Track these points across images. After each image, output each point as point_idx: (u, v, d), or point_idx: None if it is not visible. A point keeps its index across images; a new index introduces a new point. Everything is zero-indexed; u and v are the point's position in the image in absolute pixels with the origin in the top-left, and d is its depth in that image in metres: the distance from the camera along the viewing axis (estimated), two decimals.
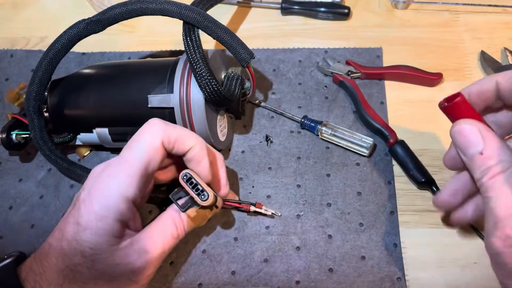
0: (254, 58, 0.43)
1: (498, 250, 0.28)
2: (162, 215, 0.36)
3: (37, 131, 0.43)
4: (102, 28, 0.43)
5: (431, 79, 0.50)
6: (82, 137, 0.46)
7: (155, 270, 0.35)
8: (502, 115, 0.34)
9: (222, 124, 0.46)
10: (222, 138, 0.46)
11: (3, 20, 0.63)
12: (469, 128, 0.30)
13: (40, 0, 0.65)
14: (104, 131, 0.44)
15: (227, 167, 0.43)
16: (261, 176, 0.47)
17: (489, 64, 0.52)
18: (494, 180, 0.29)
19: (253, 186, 0.46)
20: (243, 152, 0.48)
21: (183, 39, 0.41)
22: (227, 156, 0.48)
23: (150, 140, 0.34)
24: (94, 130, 0.45)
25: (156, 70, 0.44)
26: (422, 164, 0.45)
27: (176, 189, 0.36)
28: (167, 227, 0.35)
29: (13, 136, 0.46)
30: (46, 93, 0.45)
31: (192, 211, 0.36)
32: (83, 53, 0.57)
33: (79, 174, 0.44)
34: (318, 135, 0.48)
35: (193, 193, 0.35)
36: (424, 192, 0.45)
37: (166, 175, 0.41)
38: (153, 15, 0.42)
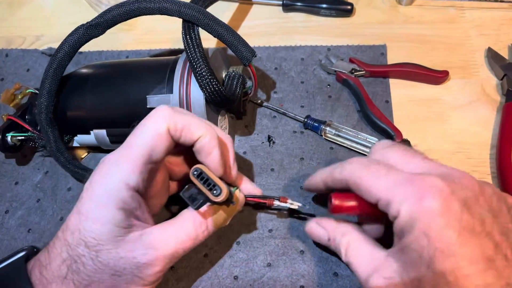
0: (256, 56, 0.41)
1: None
2: (183, 213, 0.35)
3: (53, 143, 0.42)
4: (102, 31, 0.42)
5: (437, 77, 0.49)
6: (79, 138, 0.45)
7: (165, 270, 0.33)
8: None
9: (223, 125, 0.45)
10: None
11: None
12: (313, 226, 0.38)
13: None
14: (102, 132, 0.43)
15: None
16: (264, 178, 0.45)
17: (496, 61, 0.50)
18: (348, 250, 0.34)
19: None
20: (244, 153, 0.47)
21: (183, 37, 0.40)
22: None
23: (155, 126, 0.32)
24: (91, 132, 0.44)
25: (155, 69, 0.42)
26: None
27: (187, 186, 0.33)
28: (185, 227, 0.34)
29: (8, 138, 0.44)
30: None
31: (206, 209, 0.34)
32: (80, 52, 0.56)
33: None
34: (322, 135, 0.47)
35: (204, 189, 0.32)
36: None
37: (182, 169, 0.39)
38: (152, 14, 0.41)
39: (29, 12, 0.62)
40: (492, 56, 0.51)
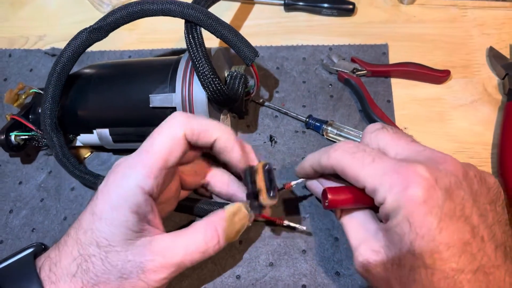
0: (258, 56, 0.42)
1: (362, 275, 0.34)
2: (196, 225, 0.34)
3: (58, 149, 0.43)
4: (105, 34, 0.43)
5: (439, 76, 0.49)
6: (83, 138, 0.45)
7: (171, 277, 0.33)
8: None
9: (225, 124, 0.45)
10: None
11: (1, 19, 0.62)
12: (314, 183, 0.39)
13: None
14: (105, 131, 0.43)
15: None
16: None
17: (498, 60, 0.50)
18: (344, 214, 0.37)
19: None
20: None
21: (185, 37, 0.40)
22: None
23: (171, 131, 0.33)
24: (94, 131, 0.44)
25: (157, 69, 0.43)
26: None
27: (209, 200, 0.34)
28: (196, 239, 0.33)
29: (12, 138, 0.45)
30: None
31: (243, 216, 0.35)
32: None
33: None
34: (324, 135, 0.47)
35: (263, 185, 0.34)
36: None
37: (194, 179, 0.40)
38: (155, 16, 0.41)
39: (32, 12, 0.62)
40: (494, 56, 0.51)
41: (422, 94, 0.50)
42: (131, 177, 0.32)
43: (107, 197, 0.32)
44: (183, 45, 0.41)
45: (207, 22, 0.40)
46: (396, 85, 0.50)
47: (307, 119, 0.47)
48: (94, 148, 0.49)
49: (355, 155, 0.33)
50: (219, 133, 0.35)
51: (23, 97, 0.48)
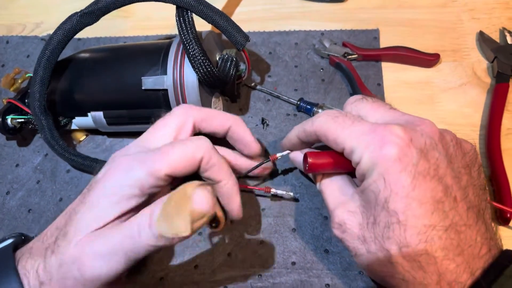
0: (249, 41, 0.42)
1: (338, 236, 0.35)
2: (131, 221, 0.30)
3: (47, 131, 0.43)
4: (96, 19, 0.43)
5: (428, 59, 0.50)
6: (78, 121, 0.46)
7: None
8: None
9: (217, 107, 0.46)
10: None
11: None
12: (297, 154, 0.40)
13: None
14: (99, 114, 0.44)
15: None
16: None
17: (487, 44, 0.51)
18: (323, 180, 0.38)
19: None
20: None
21: (176, 20, 0.41)
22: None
23: (179, 119, 0.35)
24: (89, 114, 0.45)
25: (149, 52, 0.43)
26: None
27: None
28: (118, 236, 0.30)
29: (8, 121, 0.46)
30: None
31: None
32: (79, 39, 0.57)
33: (95, 167, 0.43)
34: None
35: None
36: None
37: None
38: (146, 1, 0.42)
39: (29, 0, 0.63)
40: (484, 40, 0.51)
41: (412, 78, 0.50)
42: (131, 170, 0.31)
43: (101, 188, 0.31)
44: (176, 31, 0.42)
45: (198, 7, 0.41)
46: (387, 69, 0.51)
47: (299, 102, 0.48)
48: (89, 131, 0.49)
49: (337, 119, 0.34)
50: (230, 121, 0.37)
51: (19, 81, 0.48)
